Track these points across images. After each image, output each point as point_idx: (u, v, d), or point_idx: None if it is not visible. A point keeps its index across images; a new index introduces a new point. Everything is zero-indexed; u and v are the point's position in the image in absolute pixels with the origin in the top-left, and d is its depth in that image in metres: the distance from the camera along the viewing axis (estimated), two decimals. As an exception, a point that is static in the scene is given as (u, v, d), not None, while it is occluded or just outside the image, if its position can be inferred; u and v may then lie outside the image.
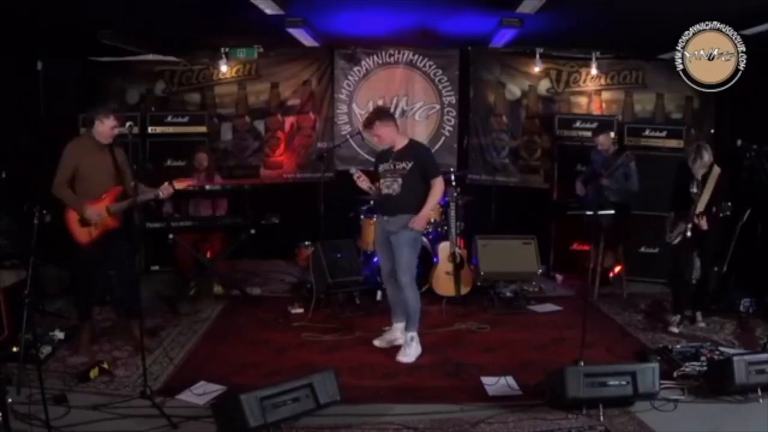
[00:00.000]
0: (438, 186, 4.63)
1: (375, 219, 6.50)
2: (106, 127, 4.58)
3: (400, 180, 4.61)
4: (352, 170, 4.78)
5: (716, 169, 5.08)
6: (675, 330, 5.23)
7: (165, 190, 4.71)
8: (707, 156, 5.02)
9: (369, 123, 4.71)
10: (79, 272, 4.78)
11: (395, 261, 4.68)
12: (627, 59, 7.51)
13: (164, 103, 7.66)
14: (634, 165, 6.02)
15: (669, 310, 5.59)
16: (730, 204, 4.83)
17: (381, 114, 4.75)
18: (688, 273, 5.49)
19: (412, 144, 4.80)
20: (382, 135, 4.70)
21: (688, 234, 5.09)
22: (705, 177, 5.09)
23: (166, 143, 7.11)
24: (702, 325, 5.40)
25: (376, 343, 4.93)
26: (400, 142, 4.72)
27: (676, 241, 5.26)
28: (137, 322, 4.71)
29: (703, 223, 4.98)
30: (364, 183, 4.77)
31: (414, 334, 4.70)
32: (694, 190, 5.14)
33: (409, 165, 4.60)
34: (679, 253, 5.32)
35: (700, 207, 5.02)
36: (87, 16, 5.38)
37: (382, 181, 4.72)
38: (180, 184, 4.83)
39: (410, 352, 4.64)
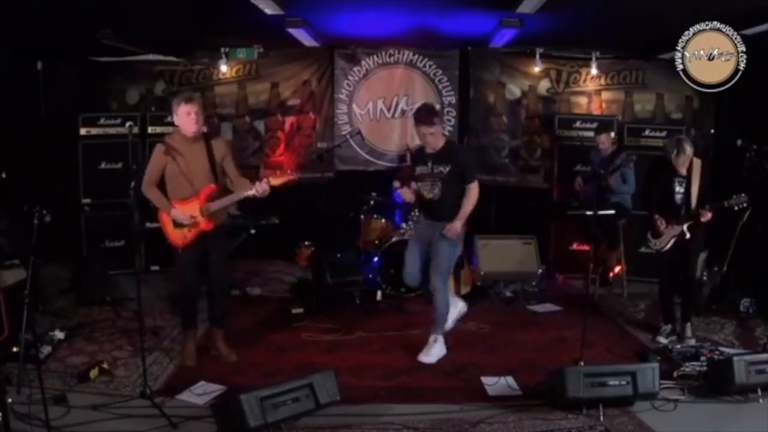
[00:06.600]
0: (473, 191, 4.49)
1: (375, 218, 6.53)
2: (181, 117, 4.20)
3: (439, 184, 4.47)
4: (396, 184, 4.61)
5: (697, 161, 4.89)
6: (664, 341, 4.98)
7: (260, 188, 4.16)
8: (689, 148, 4.82)
9: (426, 120, 4.44)
10: (178, 277, 4.54)
11: (432, 263, 4.54)
12: (627, 59, 7.51)
13: (164, 103, 7.65)
14: (632, 166, 6.01)
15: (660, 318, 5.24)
16: (744, 195, 4.61)
17: (434, 112, 4.57)
18: (698, 273, 5.35)
19: (450, 145, 4.64)
20: (435, 134, 4.49)
21: (687, 236, 4.85)
22: (688, 172, 4.89)
23: (167, 143, 7.08)
24: (692, 341, 4.96)
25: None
26: (438, 143, 4.55)
27: (668, 246, 4.95)
28: (223, 331, 4.59)
29: (708, 214, 4.70)
30: (407, 194, 4.65)
31: (439, 336, 4.62)
32: (679, 189, 4.91)
33: (447, 168, 4.45)
34: (687, 255, 4.98)
35: (695, 202, 4.82)
36: (87, 16, 5.37)
37: (420, 184, 4.57)
38: (276, 180, 4.21)
39: (432, 353, 4.58)
